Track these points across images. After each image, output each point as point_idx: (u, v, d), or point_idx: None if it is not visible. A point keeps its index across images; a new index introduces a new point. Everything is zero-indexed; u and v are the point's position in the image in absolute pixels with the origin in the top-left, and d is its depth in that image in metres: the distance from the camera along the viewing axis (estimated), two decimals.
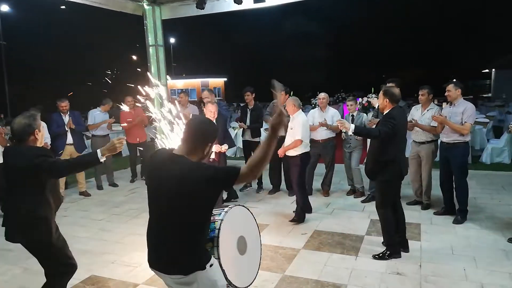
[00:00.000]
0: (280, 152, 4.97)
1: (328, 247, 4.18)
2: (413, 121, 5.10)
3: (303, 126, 4.84)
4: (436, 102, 7.46)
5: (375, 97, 6.04)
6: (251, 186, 6.73)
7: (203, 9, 8.02)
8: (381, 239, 4.11)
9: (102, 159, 2.64)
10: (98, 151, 2.62)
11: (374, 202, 5.54)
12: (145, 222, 2.89)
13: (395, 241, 3.90)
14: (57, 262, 2.77)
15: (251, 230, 2.46)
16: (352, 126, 3.76)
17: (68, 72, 35.13)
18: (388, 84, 5.41)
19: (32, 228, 2.64)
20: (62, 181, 6.42)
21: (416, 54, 44.18)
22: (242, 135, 6.68)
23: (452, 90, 4.78)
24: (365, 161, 4.22)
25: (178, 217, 1.96)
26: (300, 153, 4.89)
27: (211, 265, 2.01)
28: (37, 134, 2.67)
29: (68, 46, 37.46)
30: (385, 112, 3.81)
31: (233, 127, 10.13)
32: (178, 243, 1.98)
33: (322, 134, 5.94)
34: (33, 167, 2.52)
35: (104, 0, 7.65)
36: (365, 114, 6.02)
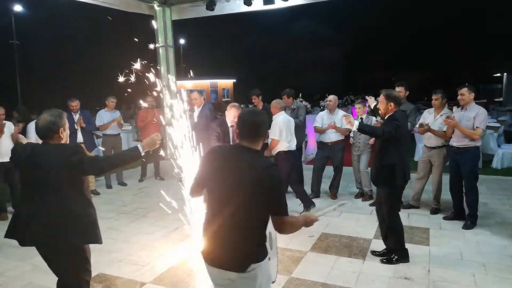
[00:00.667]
0: (266, 153, 5.16)
1: (335, 250, 4.16)
2: (425, 125, 5.04)
3: (279, 126, 5.06)
4: (447, 106, 7.41)
5: (372, 96, 5.99)
6: None
7: (213, 10, 8.08)
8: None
9: (143, 154, 2.63)
10: (139, 145, 2.62)
11: None
12: (153, 221, 2.91)
13: (404, 245, 3.87)
14: (82, 269, 2.65)
15: (271, 225, 2.47)
16: (356, 123, 3.72)
17: (80, 71, 35.49)
18: (396, 88, 5.39)
19: (80, 232, 2.52)
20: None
21: (425, 56, 43.80)
22: None
23: (465, 94, 4.71)
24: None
25: (246, 210, 1.96)
26: (280, 150, 5.11)
27: (269, 258, 2.06)
28: (61, 133, 2.56)
29: (80, 45, 37.88)
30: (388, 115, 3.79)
31: None
32: (247, 236, 1.98)
33: (331, 137, 5.93)
34: (71, 165, 2.42)
35: (117, 1, 7.73)
36: (374, 117, 5.99)
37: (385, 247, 4.01)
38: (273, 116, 5.17)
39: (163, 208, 5.61)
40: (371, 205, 5.65)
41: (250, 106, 7.72)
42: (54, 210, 2.44)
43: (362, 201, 5.90)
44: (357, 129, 3.75)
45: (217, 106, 20.76)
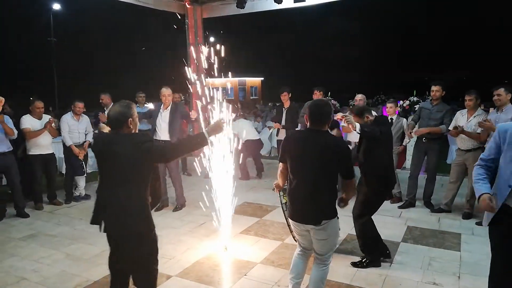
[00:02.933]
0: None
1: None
2: (458, 127, 4.86)
3: None
4: (482, 107, 7.12)
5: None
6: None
7: (243, 8, 8.10)
8: (419, 246, 3.97)
9: (209, 139, 2.63)
10: (205, 131, 2.60)
11: (412, 209, 5.45)
12: (179, 216, 2.96)
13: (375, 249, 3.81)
14: (152, 259, 2.76)
15: None
16: (358, 125, 3.56)
17: (113, 68, 36.52)
18: (433, 87, 5.23)
19: (141, 221, 2.59)
20: None
21: (460, 55, 42.22)
22: (277, 135, 6.68)
23: (502, 94, 4.50)
24: (403, 166, 4.11)
25: (323, 176, 2.68)
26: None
27: (337, 217, 2.79)
28: (130, 123, 2.61)
29: (114, 42, 38.98)
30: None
31: (268, 127, 10.14)
32: (325, 197, 2.71)
33: (358, 137, 5.79)
34: (140, 153, 2.48)
35: None
36: (404, 119, 5.84)
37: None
38: None
39: (191, 203, 5.72)
40: (400, 207, 5.52)
41: (277, 104, 7.73)
42: (124, 198, 2.51)
43: (391, 203, 5.77)
44: (358, 132, 3.58)
45: (243, 104, 20.86)
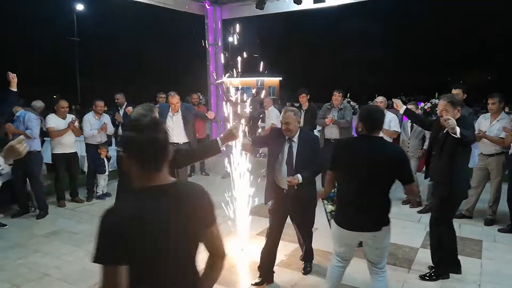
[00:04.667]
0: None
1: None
2: (480, 131, 4.75)
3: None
4: (507, 110, 6.93)
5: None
6: None
7: (263, 9, 8.11)
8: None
9: (222, 148, 2.72)
10: (218, 139, 2.71)
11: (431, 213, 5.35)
12: None
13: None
14: None
15: None
16: (458, 130, 3.11)
17: (134, 67, 37.13)
18: (453, 91, 5.12)
19: None
20: None
21: (485, 55, 41.04)
22: None
23: None
24: (423, 170, 4.04)
25: (381, 182, 2.64)
26: None
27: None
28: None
29: (136, 42, 39.58)
30: None
31: None
32: (383, 202, 2.70)
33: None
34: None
35: (170, 0, 7.98)
36: None
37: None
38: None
39: None
40: (419, 212, 5.43)
41: (296, 105, 7.70)
42: None
43: (410, 207, 5.68)
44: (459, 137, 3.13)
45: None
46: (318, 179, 3.78)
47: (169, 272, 1.45)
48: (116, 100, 6.96)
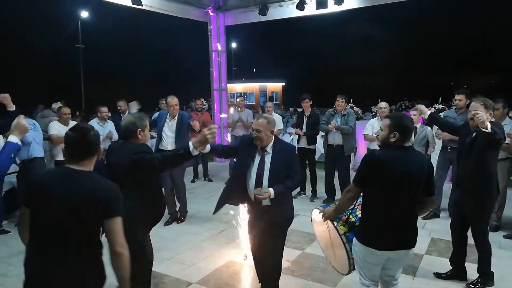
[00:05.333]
0: None
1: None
2: None
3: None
4: None
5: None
6: (304, 194, 6.68)
7: (266, 15, 8.15)
8: (444, 259, 3.87)
9: (195, 152, 2.62)
10: (190, 143, 2.62)
11: (436, 220, 5.32)
12: (200, 223, 2.97)
13: None
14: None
15: None
16: (489, 125, 3.07)
17: (139, 74, 37.35)
18: (456, 96, 5.11)
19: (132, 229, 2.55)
20: None
21: (488, 60, 40.89)
22: (298, 142, 6.65)
23: None
24: None
25: (415, 197, 2.49)
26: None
27: None
28: (139, 134, 2.74)
29: (140, 49, 39.86)
30: None
31: (289, 133, 10.12)
32: (414, 222, 2.56)
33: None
34: (131, 162, 2.58)
35: (173, 7, 8.04)
36: (429, 127, 5.70)
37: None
38: None
39: (211, 209, 5.75)
40: (423, 218, 5.39)
41: (299, 110, 7.71)
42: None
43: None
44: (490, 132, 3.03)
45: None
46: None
47: (46, 240, 1.90)
48: (118, 107, 6.99)
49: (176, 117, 5.34)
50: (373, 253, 2.50)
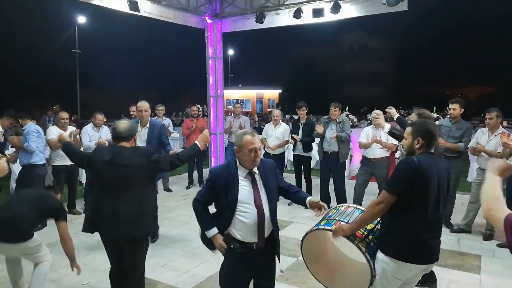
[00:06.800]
0: None
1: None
2: (478, 145, 4.76)
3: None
4: (506, 124, 6.95)
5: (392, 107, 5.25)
6: None
7: (262, 23, 8.20)
8: (437, 268, 3.87)
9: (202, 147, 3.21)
10: (196, 142, 3.16)
11: None
12: (195, 229, 2.97)
13: None
14: (144, 261, 3.08)
15: None
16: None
17: (134, 79, 37.31)
18: (450, 105, 5.16)
19: (151, 223, 3.07)
20: None
21: (484, 69, 41.30)
22: (293, 149, 6.68)
23: None
24: None
25: (444, 204, 2.43)
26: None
27: None
28: (134, 138, 3.07)
29: (135, 54, 39.87)
30: None
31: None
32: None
33: (376, 153, 5.67)
34: (151, 163, 2.89)
35: (171, 14, 8.07)
36: None
37: None
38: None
39: None
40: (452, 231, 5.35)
41: (295, 117, 7.75)
42: (132, 204, 2.84)
43: None
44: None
45: (262, 116, 21.00)
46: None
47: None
48: (132, 112, 7.01)
49: (147, 126, 4.90)
50: (408, 268, 2.34)
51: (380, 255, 2.40)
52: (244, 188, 2.50)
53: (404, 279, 2.40)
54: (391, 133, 4.66)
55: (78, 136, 5.90)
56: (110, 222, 2.81)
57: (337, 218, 2.58)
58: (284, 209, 6.23)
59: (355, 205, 2.76)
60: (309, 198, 2.70)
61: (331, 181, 6.31)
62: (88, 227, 3.00)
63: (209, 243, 2.64)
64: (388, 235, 2.40)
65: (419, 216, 2.32)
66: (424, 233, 2.33)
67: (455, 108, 5.14)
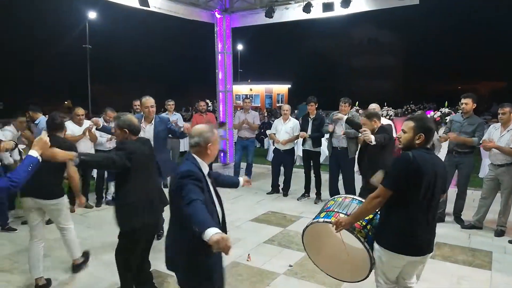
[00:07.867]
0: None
1: None
2: (491, 141, 4.69)
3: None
4: None
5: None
6: (309, 196, 6.68)
7: (272, 17, 8.18)
8: (448, 264, 3.84)
9: None
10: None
11: (441, 224, 5.27)
12: None
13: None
14: None
15: None
16: (373, 137, 4.16)
17: (144, 74, 37.51)
18: (462, 100, 5.08)
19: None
20: None
21: (497, 64, 40.53)
22: (303, 144, 6.66)
23: None
24: None
25: (439, 199, 2.52)
26: None
27: None
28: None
29: (146, 49, 40.03)
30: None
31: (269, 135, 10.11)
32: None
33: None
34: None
35: (180, 9, 8.09)
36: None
37: None
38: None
39: None
40: (463, 227, 5.32)
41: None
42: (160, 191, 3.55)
43: None
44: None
45: (271, 111, 20.97)
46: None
47: None
48: (135, 107, 7.03)
49: (153, 122, 4.67)
50: (401, 257, 2.45)
51: (376, 245, 2.52)
52: (212, 189, 2.44)
53: (399, 266, 2.52)
54: (348, 121, 5.29)
55: (93, 130, 5.88)
56: (150, 210, 3.19)
57: (336, 210, 2.69)
58: (293, 204, 6.25)
59: (352, 196, 2.88)
60: (241, 179, 2.96)
61: (340, 177, 6.29)
62: (127, 224, 3.21)
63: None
64: (383, 227, 2.52)
65: (414, 210, 2.41)
66: (418, 226, 2.42)
67: (467, 103, 5.06)
